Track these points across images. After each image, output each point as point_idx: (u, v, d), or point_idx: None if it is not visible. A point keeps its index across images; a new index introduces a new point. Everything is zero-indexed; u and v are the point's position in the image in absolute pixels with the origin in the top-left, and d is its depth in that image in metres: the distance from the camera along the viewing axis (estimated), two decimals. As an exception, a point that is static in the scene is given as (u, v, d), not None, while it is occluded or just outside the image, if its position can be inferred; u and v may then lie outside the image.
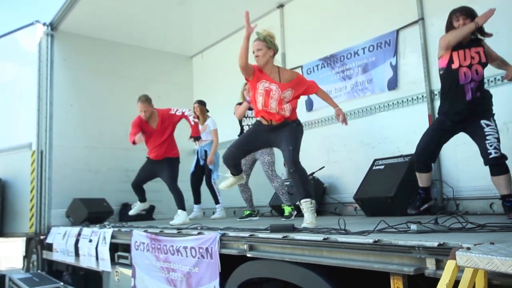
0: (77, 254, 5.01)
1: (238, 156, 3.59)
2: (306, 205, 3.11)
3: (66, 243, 5.31)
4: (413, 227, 2.09)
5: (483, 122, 3.08)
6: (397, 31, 4.71)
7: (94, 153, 6.78)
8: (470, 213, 3.75)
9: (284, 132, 3.39)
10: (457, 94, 3.18)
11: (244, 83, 4.42)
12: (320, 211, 5.00)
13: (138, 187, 5.27)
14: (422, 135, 3.41)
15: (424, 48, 4.42)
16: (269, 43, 3.44)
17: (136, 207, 5.39)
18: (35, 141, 6.36)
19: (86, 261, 4.78)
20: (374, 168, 4.47)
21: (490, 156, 2.97)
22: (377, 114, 4.87)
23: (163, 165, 5.03)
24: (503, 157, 2.99)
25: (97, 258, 4.54)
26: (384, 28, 4.81)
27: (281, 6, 6.24)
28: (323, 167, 5.14)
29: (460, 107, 3.18)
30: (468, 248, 1.43)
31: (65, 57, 6.74)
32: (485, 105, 3.18)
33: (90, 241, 4.72)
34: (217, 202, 5.76)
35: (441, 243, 1.63)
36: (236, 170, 3.64)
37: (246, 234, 2.66)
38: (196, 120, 5.28)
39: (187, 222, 4.55)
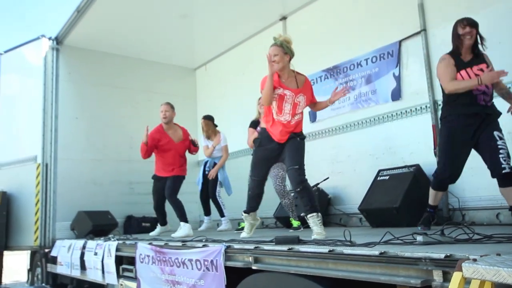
0: (83, 267, 5.00)
1: (260, 184, 3.53)
2: (313, 219, 3.11)
3: (71, 256, 5.29)
4: (419, 238, 2.08)
5: (496, 134, 3.00)
6: (400, 42, 4.73)
7: (99, 166, 6.80)
8: (477, 224, 3.72)
9: (289, 147, 3.35)
10: (470, 99, 3.07)
11: (259, 97, 4.44)
12: (325, 222, 4.94)
13: (160, 209, 5.32)
14: (441, 151, 3.18)
15: (427, 59, 4.44)
16: (285, 49, 3.42)
17: (157, 230, 5.41)
18: (40, 154, 6.40)
19: (92, 274, 4.77)
20: (378, 178, 4.46)
21: (504, 171, 2.91)
22: (381, 124, 4.87)
23: (169, 178, 5.05)
24: None
25: (103, 271, 4.53)
26: (386, 39, 4.84)
27: (284, 18, 6.29)
28: (328, 178, 5.13)
29: (475, 110, 3.06)
30: (475, 260, 1.42)
31: (70, 71, 6.81)
32: (496, 113, 3.12)
33: (96, 254, 4.71)
34: (222, 215, 5.74)
35: (448, 254, 1.62)
36: (253, 202, 3.55)
37: (251, 247, 2.65)
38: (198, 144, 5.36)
39: (190, 235, 4.51)
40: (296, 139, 3.38)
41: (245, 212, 3.62)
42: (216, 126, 5.94)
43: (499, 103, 3.20)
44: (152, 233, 5.39)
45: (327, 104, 3.56)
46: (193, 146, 5.29)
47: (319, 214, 3.13)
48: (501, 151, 2.94)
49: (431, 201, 3.30)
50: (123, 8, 5.92)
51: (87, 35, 6.54)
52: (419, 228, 3.24)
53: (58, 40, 6.70)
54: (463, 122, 3.09)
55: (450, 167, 3.12)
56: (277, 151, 3.42)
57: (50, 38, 6.71)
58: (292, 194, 4.88)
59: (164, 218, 5.38)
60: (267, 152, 3.45)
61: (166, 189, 5.00)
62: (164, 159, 5.07)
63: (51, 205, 6.28)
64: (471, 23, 3.13)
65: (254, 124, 4.86)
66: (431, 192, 3.29)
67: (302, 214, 3.34)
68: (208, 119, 5.93)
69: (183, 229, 4.68)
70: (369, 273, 1.93)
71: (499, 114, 3.12)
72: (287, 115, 3.35)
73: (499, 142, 2.97)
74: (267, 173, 3.59)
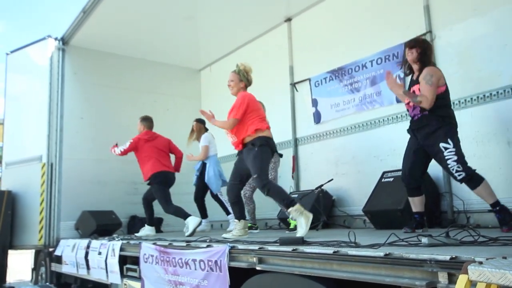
0: (88, 266, 5.02)
1: (236, 187, 3.88)
2: (295, 213, 3.38)
3: (76, 256, 5.32)
4: (424, 240, 2.07)
5: (441, 145, 3.17)
6: (405, 43, 4.71)
7: (103, 166, 6.82)
8: (482, 226, 3.71)
9: (247, 159, 3.72)
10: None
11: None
12: (328, 223, 4.98)
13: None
14: (402, 158, 3.55)
15: (432, 61, 4.42)
16: (241, 76, 4.01)
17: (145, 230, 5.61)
18: (45, 154, 6.43)
19: (96, 274, 4.78)
20: (383, 180, 4.45)
21: (458, 178, 3.11)
22: (385, 126, 4.86)
23: (151, 187, 5.46)
24: (469, 174, 3.07)
25: (107, 271, 4.54)
26: (392, 41, 4.83)
27: (288, 19, 6.29)
28: (332, 179, 5.12)
29: (410, 125, 3.48)
30: (481, 263, 1.42)
31: (76, 71, 6.84)
32: (435, 125, 3.23)
33: (100, 253, 4.73)
34: (228, 213, 5.69)
35: (453, 256, 1.61)
36: (238, 209, 3.86)
37: (256, 247, 2.65)
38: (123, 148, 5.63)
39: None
40: (247, 148, 3.75)
41: (236, 218, 3.91)
42: (207, 130, 6.03)
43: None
44: (187, 234, 5.22)
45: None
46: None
47: (297, 204, 3.40)
48: (448, 161, 3.13)
49: (412, 208, 3.52)
50: (128, 9, 5.95)
51: (93, 35, 6.57)
52: (403, 230, 3.36)
53: (64, 41, 6.74)
54: (410, 134, 3.52)
55: (404, 174, 3.49)
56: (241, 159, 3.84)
57: (56, 39, 6.75)
58: (294, 195, 4.94)
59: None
60: (239, 155, 3.92)
61: (160, 203, 5.34)
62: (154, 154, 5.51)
63: (55, 204, 6.31)
64: (411, 45, 3.54)
65: None
66: (409, 199, 3.55)
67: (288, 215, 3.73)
68: (202, 123, 6.03)
69: (190, 223, 4.87)
70: (374, 274, 1.93)
71: (436, 126, 3.24)
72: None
73: (445, 153, 3.14)
74: (240, 179, 3.90)
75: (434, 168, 4.13)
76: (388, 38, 4.87)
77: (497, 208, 3.04)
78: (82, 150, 6.67)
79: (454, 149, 3.12)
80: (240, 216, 3.85)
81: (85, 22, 6.20)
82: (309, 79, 5.82)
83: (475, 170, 3.13)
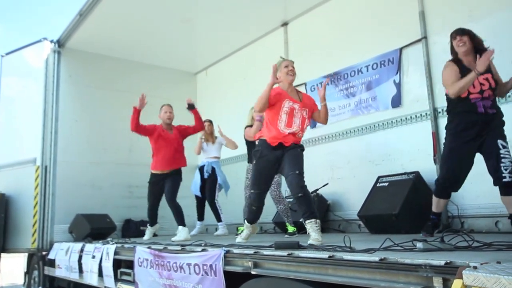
0: (81, 270, 4.98)
1: (262, 196, 3.58)
2: (311, 225, 3.10)
3: (69, 259, 5.28)
4: (419, 245, 2.07)
5: (499, 142, 3.00)
6: (401, 49, 4.76)
7: (98, 169, 6.80)
8: (476, 231, 3.73)
9: (290, 156, 3.37)
10: (469, 112, 3.10)
11: (251, 107, 4.51)
12: (323, 228, 4.97)
13: (154, 212, 5.39)
14: (444, 158, 3.24)
15: (427, 66, 4.46)
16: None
17: (149, 232, 5.47)
18: (39, 157, 6.39)
19: (89, 278, 4.75)
20: (378, 185, 4.47)
21: (504, 180, 2.92)
22: (381, 131, 4.88)
23: (168, 177, 5.08)
24: None
25: (100, 275, 4.51)
26: (387, 46, 4.87)
27: (285, 24, 6.32)
28: (327, 184, 5.14)
29: (474, 118, 3.08)
30: (475, 267, 1.42)
31: (71, 73, 6.82)
32: (500, 121, 3.12)
33: (93, 257, 4.70)
34: (219, 220, 5.73)
35: (448, 261, 1.62)
36: (256, 215, 3.63)
37: (251, 251, 2.64)
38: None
39: (188, 239, 4.58)
40: (297, 149, 3.42)
41: (247, 221, 3.70)
42: None
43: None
44: (145, 238, 5.43)
45: (325, 110, 3.56)
46: (196, 125, 5.29)
47: (318, 220, 3.13)
48: (503, 160, 2.94)
49: (434, 208, 3.30)
50: (125, 12, 5.95)
51: (89, 38, 6.57)
52: (421, 234, 3.25)
53: (60, 43, 6.72)
54: (464, 131, 3.10)
55: (452, 175, 3.15)
56: (277, 160, 3.42)
57: (52, 41, 6.73)
58: (290, 199, 4.90)
59: (155, 219, 5.47)
60: (268, 163, 3.45)
61: (167, 192, 5.03)
62: (165, 154, 5.10)
63: (49, 207, 6.27)
64: (459, 32, 3.20)
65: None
66: (434, 199, 3.30)
67: (300, 220, 3.35)
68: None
69: (182, 233, 4.75)
70: (369, 279, 1.93)
71: (503, 122, 3.13)
72: (296, 128, 3.41)
73: (502, 151, 2.97)
74: (267, 185, 3.61)
75: (428, 173, 4.17)
76: (383, 43, 4.90)
77: None
78: (77, 153, 6.64)
79: (508, 149, 3.00)
80: (253, 220, 3.69)
81: (81, 25, 6.20)
82: (305, 84, 5.84)
83: None
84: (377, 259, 1.89)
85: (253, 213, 3.63)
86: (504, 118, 3.14)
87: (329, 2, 5.65)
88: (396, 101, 4.75)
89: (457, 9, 4.26)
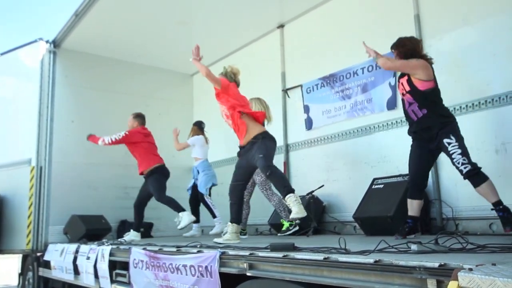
0: (76, 271, 4.97)
1: (239, 187, 3.86)
2: (291, 199, 3.35)
3: (64, 260, 5.26)
4: (414, 247, 2.09)
5: (445, 141, 3.22)
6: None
7: (94, 170, 6.77)
8: (470, 233, 3.74)
9: (253, 149, 3.74)
10: (407, 118, 3.52)
11: (250, 98, 4.63)
12: (319, 229, 5.00)
13: (139, 213, 5.60)
14: (408, 160, 3.54)
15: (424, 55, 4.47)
16: (229, 78, 4.22)
17: (129, 235, 5.53)
18: (34, 157, 6.35)
19: (85, 279, 4.73)
20: (373, 187, 4.48)
21: (463, 173, 3.15)
22: (376, 133, 4.90)
23: (147, 179, 5.43)
24: (475, 168, 3.11)
25: (95, 276, 4.50)
26: (383, 48, 4.85)
27: (281, 26, 6.33)
28: (323, 185, 5.15)
29: (412, 129, 3.48)
30: (470, 269, 1.44)
31: (67, 74, 6.79)
32: (437, 122, 3.30)
33: (88, 258, 4.69)
34: (214, 216, 5.75)
35: (442, 263, 1.63)
36: (236, 211, 3.82)
37: (246, 253, 2.65)
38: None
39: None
40: (256, 142, 3.77)
41: (230, 220, 3.88)
42: (203, 133, 6.26)
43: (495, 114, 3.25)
44: (127, 238, 5.48)
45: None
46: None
47: (295, 194, 3.38)
48: (453, 156, 3.17)
49: (409, 211, 3.51)
50: (121, 12, 5.94)
51: (85, 39, 6.54)
52: (393, 237, 3.37)
53: (56, 43, 6.70)
54: (413, 139, 3.52)
55: (412, 177, 3.49)
56: (243, 154, 3.88)
57: (47, 41, 6.70)
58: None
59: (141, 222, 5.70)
60: (240, 154, 3.96)
61: (153, 194, 5.21)
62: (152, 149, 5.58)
63: (44, 208, 6.23)
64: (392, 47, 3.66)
65: None
66: (408, 201, 3.54)
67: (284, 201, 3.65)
68: (196, 125, 6.33)
69: (184, 218, 4.97)
70: (364, 281, 1.94)
71: (438, 125, 3.29)
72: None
73: (449, 148, 3.19)
74: (244, 178, 3.93)
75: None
76: (379, 45, 4.88)
77: (500, 207, 3.07)
78: (73, 153, 6.61)
79: (457, 143, 3.18)
80: (235, 219, 3.81)
81: (77, 25, 6.17)
82: (301, 86, 5.85)
83: (480, 168, 3.16)
84: (372, 261, 1.90)
85: (232, 209, 3.83)
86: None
87: (325, 4, 5.67)
88: (392, 104, 4.77)
89: (451, 13, 4.29)
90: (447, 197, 4.11)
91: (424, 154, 3.44)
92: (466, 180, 3.37)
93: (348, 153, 5.18)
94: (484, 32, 3.99)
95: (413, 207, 3.49)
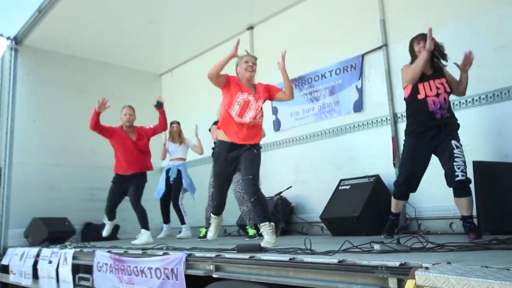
0: (35, 276, 4.79)
1: (221, 192, 3.65)
2: (265, 228, 3.17)
3: (23, 265, 5.07)
4: (377, 247, 2.14)
5: (453, 142, 3.13)
6: (363, 55, 4.88)
7: (57, 171, 6.57)
8: (431, 233, 3.86)
9: (245, 158, 3.40)
10: (426, 116, 3.24)
11: (219, 103, 4.48)
12: (287, 230, 5.03)
13: (112, 212, 5.22)
14: (402, 161, 3.36)
15: (387, 73, 4.60)
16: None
17: (108, 228, 5.28)
18: (-7, 158, 6.11)
19: (46, 284, 4.57)
20: (340, 188, 4.55)
21: (457, 179, 3.02)
22: (343, 135, 4.99)
23: (132, 179, 4.95)
24: (468, 181, 3.06)
25: (57, 281, 4.36)
26: (350, 52, 4.98)
27: (251, 28, 6.35)
28: (291, 186, 5.19)
29: (430, 122, 3.22)
30: (427, 268, 1.48)
31: (29, 72, 6.57)
32: (454, 125, 3.27)
33: (50, 262, 4.54)
34: (183, 222, 5.70)
35: (402, 263, 1.67)
36: (219, 208, 3.69)
37: (213, 255, 2.64)
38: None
39: (150, 242, 4.50)
40: (253, 150, 3.46)
41: (212, 213, 3.75)
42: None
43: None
44: (104, 233, 5.31)
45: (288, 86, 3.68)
46: (159, 125, 5.21)
47: (272, 223, 3.19)
48: (456, 159, 3.06)
49: (393, 209, 3.44)
50: (87, 10, 5.79)
51: (49, 36, 6.34)
52: (383, 236, 3.36)
53: (17, 40, 6.46)
54: (421, 136, 3.25)
55: (410, 177, 3.29)
56: (234, 161, 3.46)
57: (8, 38, 6.46)
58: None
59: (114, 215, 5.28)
60: (224, 166, 3.51)
61: (131, 194, 4.92)
62: (126, 157, 4.96)
63: (3, 211, 6.00)
64: (424, 37, 3.29)
65: (216, 123, 4.91)
66: (393, 201, 3.43)
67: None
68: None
69: (144, 236, 4.67)
70: (328, 281, 1.97)
71: (457, 126, 3.28)
72: (250, 119, 3.43)
73: (456, 151, 3.10)
74: (227, 183, 3.68)
75: (388, 177, 4.28)
76: (346, 49, 5.01)
77: (470, 220, 3.08)
78: (34, 154, 6.39)
79: (461, 150, 3.13)
80: (219, 212, 3.71)
81: (40, 22, 5.98)
82: (270, 87, 5.87)
83: (471, 182, 3.11)
84: (336, 261, 1.93)
85: (216, 206, 3.71)
86: (459, 122, 3.29)
87: (294, 7, 5.73)
88: (358, 106, 4.86)
89: (415, 19, 4.41)
90: (411, 198, 4.19)
91: (425, 157, 3.28)
92: (429, 181, 3.47)
93: (315, 155, 5.25)
94: (445, 39, 4.11)
95: (399, 206, 3.45)
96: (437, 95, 3.23)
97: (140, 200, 4.94)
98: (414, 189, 3.37)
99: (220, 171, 3.57)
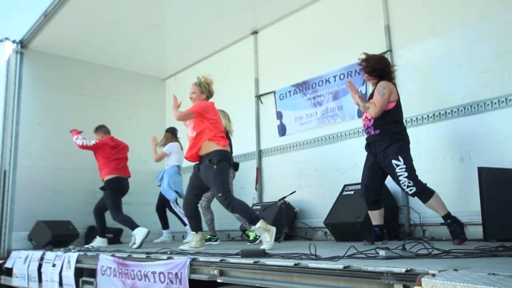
0: (40, 279, 4.80)
1: (191, 202, 3.86)
2: (258, 230, 3.46)
3: (27, 268, 5.07)
4: (382, 253, 2.13)
5: (394, 162, 3.32)
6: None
7: (61, 174, 6.59)
8: (436, 239, 3.84)
9: (205, 176, 3.70)
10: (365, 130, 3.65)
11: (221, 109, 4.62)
12: (290, 235, 5.02)
13: (100, 216, 5.53)
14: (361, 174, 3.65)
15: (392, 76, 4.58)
16: (203, 88, 4.04)
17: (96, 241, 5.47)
18: (-2, 161, 6.13)
19: (49, 287, 4.58)
20: (344, 193, 4.54)
21: (410, 193, 3.29)
22: (347, 140, 4.98)
23: (104, 192, 5.40)
24: (420, 188, 3.23)
25: (60, 284, 4.36)
26: (354, 58, 4.94)
27: (255, 32, 6.36)
28: (294, 191, 5.17)
29: (367, 139, 3.61)
30: (433, 275, 1.48)
31: (35, 75, 6.60)
32: (386, 141, 3.39)
33: (54, 265, 4.54)
34: (184, 224, 5.66)
35: (409, 269, 1.67)
36: (195, 222, 3.85)
37: (217, 259, 2.64)
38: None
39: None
40: (203, 165, 3.71)
41: (191, 229, 3.94)
42: (177, 140, 6.04)
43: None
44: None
45: None
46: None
47: (261, 220, 3.47)
48: (400, 178, 3.29)
49: (372, 221, 3.63)
50: (92, 14, 5.82)
51: (54, 40, 6.38)
52: (362, 242, 3.47)
53: (23, 44, 6.50)
54: (368, 150, 3.62)
55: (363, 189, 3.61)
56: (198, 175, 3.81)
57: (14, 41, 6.50)
58: (257, 207, 4.96)
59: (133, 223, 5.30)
60: (192, 176, 3.89)
61: (109, 210, 5.26)
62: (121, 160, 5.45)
63: (7, 214, 6.00)
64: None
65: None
66: (368, 212, 3.65)
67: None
68: (170, 132, 6.09)
69: (138, 234, 4.82)
70: (333, 287, 1.96)
71: (390, 140, 3.40)
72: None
73: (397, 170, 3.30)
74: (195, 193, 3.89)
75: (392, 182, 4.27)
76: (351, 55, 4.99)
77: (449, 220, 3.18)
78: (39, 157, 6.41)
79: (404, 166, 3.28)
80: (196, 228, 3.84)
81: (46, 26, 6.01)
82: (274, 92, 5.89)
83: (426, 184, 3.27)
84: (341, 266, 1.92)
85: (190, 222, 3.92)
86: (389, 137, 3.42)
87: (298, 12, 5.74)
88: (362, 112, 4.84)
89: (420, 24, 4.42)
90: (415, 204, 4.20)
91: (373, 169, 3.55)
92: (433, 187, 3.46)
93: (319, 160, 5.24)
94: (449, 44, 4.13)
95: (375, 217, 3.60)
96: (365, 117, 3.59)
97: (116, 213, 5.23)
98: (374, 200, 3.56)
99: (192, 175, 3.97)
